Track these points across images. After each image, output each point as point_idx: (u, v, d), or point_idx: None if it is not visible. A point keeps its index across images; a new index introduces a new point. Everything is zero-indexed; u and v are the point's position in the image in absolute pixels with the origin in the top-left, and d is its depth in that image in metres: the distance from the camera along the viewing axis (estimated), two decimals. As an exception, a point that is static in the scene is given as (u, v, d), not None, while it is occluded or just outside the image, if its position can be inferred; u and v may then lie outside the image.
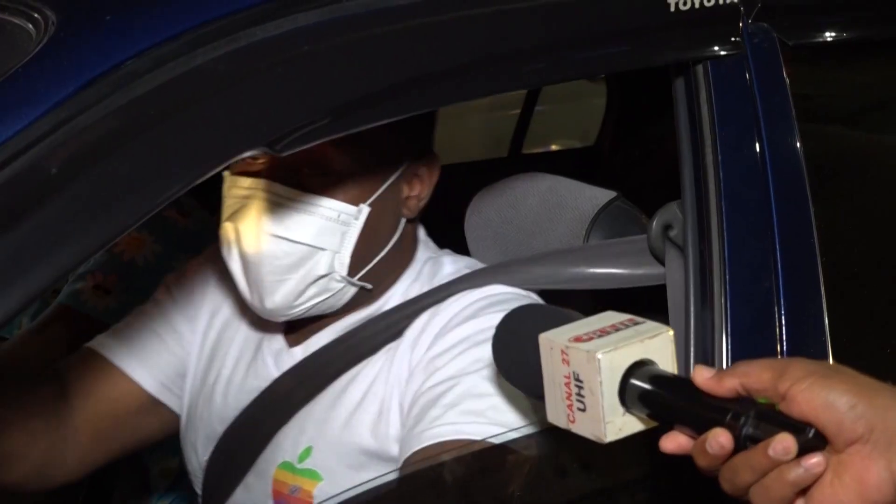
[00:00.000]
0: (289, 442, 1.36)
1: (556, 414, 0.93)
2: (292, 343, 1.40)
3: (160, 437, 1.53)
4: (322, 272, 1.26)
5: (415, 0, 1.04)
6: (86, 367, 1.46)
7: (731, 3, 1.21)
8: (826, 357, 1.16)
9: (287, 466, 1.36)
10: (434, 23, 1.05)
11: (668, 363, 0.91)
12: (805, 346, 1.16)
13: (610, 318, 0.94)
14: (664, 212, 1.24)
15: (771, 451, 0.80)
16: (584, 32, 1.15)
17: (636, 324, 0.93)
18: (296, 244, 1.24)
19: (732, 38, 1.21)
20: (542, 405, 0.96)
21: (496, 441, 1.15)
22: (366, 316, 1.36)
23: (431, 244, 1.45)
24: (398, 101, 1.02)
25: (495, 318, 1.24)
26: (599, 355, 0.88)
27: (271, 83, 0.96)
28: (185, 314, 1.51)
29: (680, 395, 0.88)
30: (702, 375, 0.87)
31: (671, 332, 0.91)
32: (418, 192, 1.34)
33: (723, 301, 1.14)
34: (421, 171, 1.33)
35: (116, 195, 0.88)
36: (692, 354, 1.16)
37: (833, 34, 1.34)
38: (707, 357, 1.14)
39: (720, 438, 0.83)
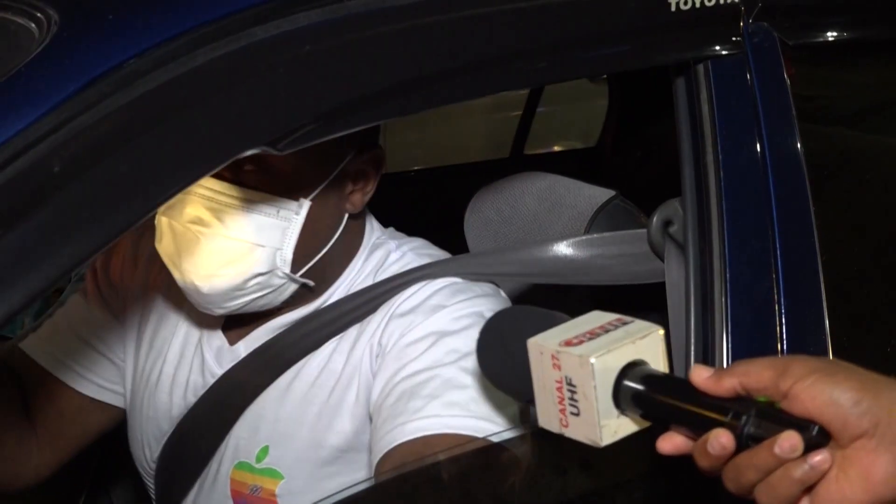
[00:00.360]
0: (244, 442, 1.35)
1: (548, 418, 0.92)
2: (233, 340, 1.39)
3: (112, 428, 1.54)
4: (262, 269, 1.23)
5: (416, 0, 1.04)
6: (23, 372, 1.47)
7: (732, 2, 1.21)
8: (827, 355, 1.16)
9: (245, 466, 1.35)
10: (435, 22, 1.05)
11: (659, 362, 0.90)
12: (805, 345, 1.16)
13: (598, 318, 0.93)
14: (665, 208, 1.24)
15: (777, 449, 0.79)
16: (586, 32, 1.15)
17: (625, 324, 0.91)
18: (233, 241, 1.21)
19: (733, 38, 1.21)
20: (528, 408, 0.95)
21: (491, 439, 1.15)
22: (308, 312, 1.35)
23: (376, 229, 1.41)
24: (399, 101, 1.03)
25: (463, 305, 1.25)
26: (593, 360, 0.87)
27: (272, 83, 0.97)
28: (113, 312, 1.49)
29: (677, 396, 0.87)
30: (700, 375, 0.86)
31: (661, 332, 0.90)
32: (363, 186, 1.32)
33: (723, 299, 1.14)
34: (365, 165, 1.31)
35: (118, 194, 0.89)
36: (692, 352, 1.16)
37: (834, 34, 1.34)
38: (707, 355, 1.14)
39: (721, 439, 0.82)
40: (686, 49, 1.19)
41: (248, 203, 1.21)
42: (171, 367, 1.43)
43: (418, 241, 1.42)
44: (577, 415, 0.89)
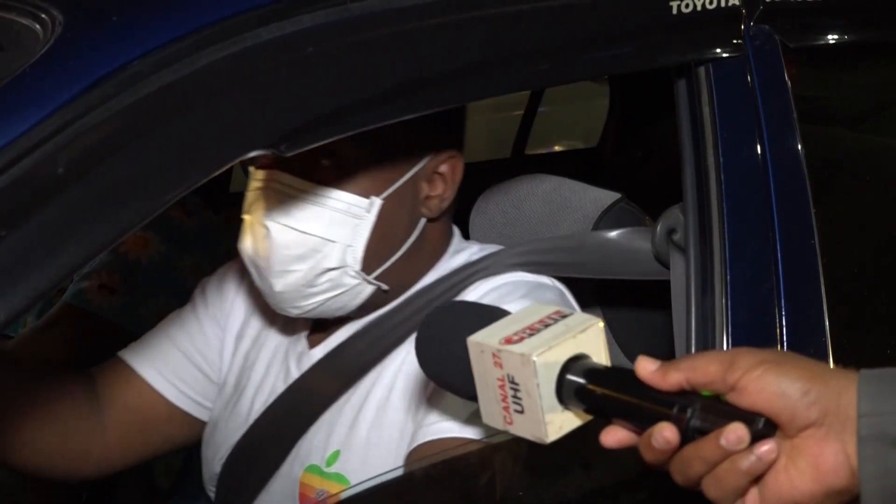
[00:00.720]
0: (316, 445, 1.34)
1: (492, 416, 0.91)
2: (313, 344, 1.40)
3: (191, 443, 1.54)
4: (332, 265, 1.25)
5: (419, 2, 1.04)
6: (115, 376, 1.47)
7: (733, 5, 1.21)
8: (827, 357, 1.17)
9: (314, 470, 1.34)
10: (437, 25, 1.05)
11: (600, 355, 0.89)
12: (805, 347, 1.16)
13: (536, 312, 0.91)
14: (667, 216, 1.25)
15: (723, 441, 0.79)
16: (588, 34, 1.15)
17: (564, 317, 0.90)
18: (305, 235, 1.23)
19: (734, 41, 1.21)
20: (474, 405, 0.93)
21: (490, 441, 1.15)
22: (385, 311, 1.35)
23: (460, 238, 1.42)
24: (402, 103, 1.03)
25: (516, 306, 1.25)
26: (535, 358, 0.86)
27: (276, 84, 0.97)
28: (217, 326, 1.51)
29: (622, 389, 0.86)
30: (646, 369, 0.85)
31: (601, 324, 0.89)
32: (440, 191, 1.31)
33: (724, 301, 1.15)
34: (443, 169, 1.31)
35: (122, 195, 0.89)
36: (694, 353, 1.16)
37: (834, 37, 1.34)
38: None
39: (665, 433, 0.82)
40: (687, 51, 1.19)
41: (321, 198, 1.23)
42: (259, 375, 1.44)
43: (500, 247, 1.41)
44: (522, 412, 0.88)
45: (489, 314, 0.95)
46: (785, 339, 1.16)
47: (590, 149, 3.09)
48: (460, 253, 1.39)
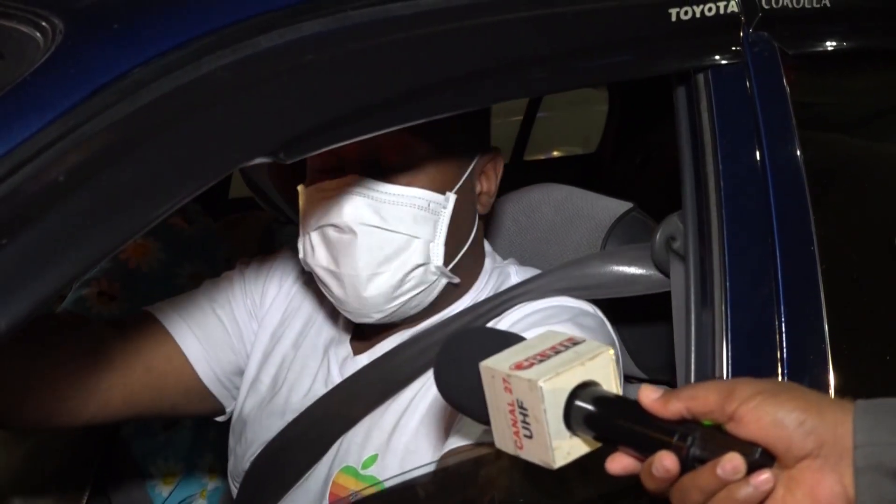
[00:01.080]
0: (353, 447, 1.35)
1: (504, 440, 0.92)
2: (358, 351, 1.41)
3: (193, 417, 1.52)
4: (419, 261, 1.28)
5: (417, 10, 1.05)
6: (142, 334, 1.45)
7: (732, 12, 1.22)
8: (826, 363, 1.17)
9: (350, 471, 1.35)
10: (437, 33, 1.06)
11: (610, 383, 0.91)
12: (805, 353, 1.17)
13: (549, 338, 0.93)
14: (666, 224, 1.25)
15: (720, 471, 0.80)
16: (588, 42, 1.15)
17: (576, 344, 0.92)
18: (392, 233, 1.26)
19: (733, 48, 1.22)
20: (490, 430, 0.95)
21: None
22: (431, 324, 1.37)
23: (496, 256, 1.46)
24: (402, 110, 1.03)
25: (556, 329, 1.25)
26: (541, 383, 0.87)
27: (276, 92, 0.97)
28: (253, 318, 1.51)
29: (626, 417, 0.88)
30: (648, 397, 0.87)
31: (611, 352, 0.91)
32: (488, 187, 1.37)
33: (723, 308, 1.15)
34: (488, 167, 1.37)
35: (123, 203, 0.89)
36: (693, 362, 1.17)
37: (833, 44, 1.35)
38: (707, 364, 1.15)
39: (665, 462, 0.83)
40: (686, 59, 1.20)
41: (401, 198, 1.26)
42: (295, 375, 1.45)
43: (537, 271, 1.43)
44: (531, 437, 0.90)
45: (504, 340, 0.96)
46: (784, 345, 1.16)
47: (588, 155, 3.10)
48: (496, 270, 1.42)
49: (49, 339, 1.36)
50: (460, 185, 1.31)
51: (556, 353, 0.90)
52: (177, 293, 2.02)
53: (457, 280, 1.33)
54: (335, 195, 1.27)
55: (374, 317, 1.32)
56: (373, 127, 1.02)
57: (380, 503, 1.22)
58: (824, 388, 1.17)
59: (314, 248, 1.30)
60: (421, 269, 1.28)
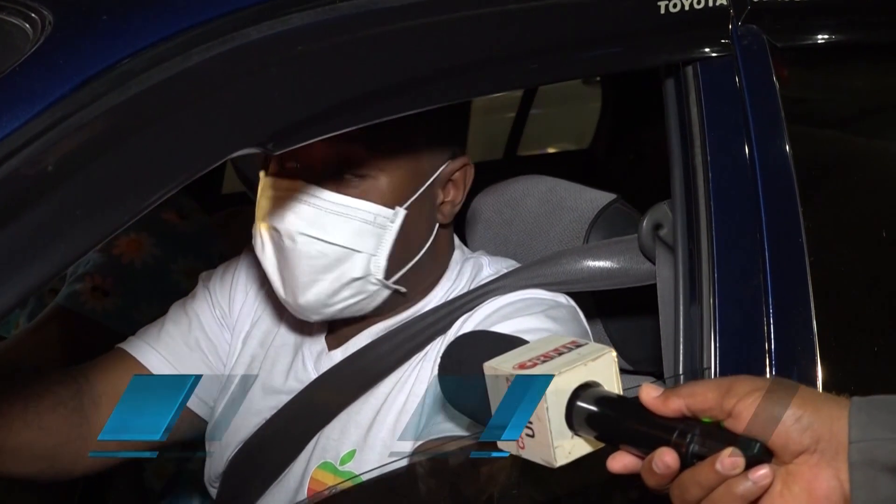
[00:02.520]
0: (331, 443, 1.36)
1: (506, 440, 0.93)
2: (332, 346, 1.41)
3: (183, 439, 1.53)
4: (357, 274, 1.27)
5: (407, 2, 1.05)
6: (117, 370, 1.45)
7: (721, 5, 1.22)
8: (814, 355, 1.17)
9: (328, 467, 1.35)
10: (426, 24, 1.06)
11: (612, 384, 0.92)
12: (792, 345, 1.17)
13: (553, 341, 0.94)
14: (654, 211, 1.25)
15: (718, 466, 0.82)
16: (576, 34, 1.16)
17: (578, 346, 0.93)
18: (331, 245, 1.25)
19: (722, 40, 1.22)
20: None
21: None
22: (405, 318, 1.37)
23: (465, 247, 1.45)
24: (391, 102, 1.04)
25: (527, 320, 1.25)
26: None
27: (265, 83, 0.98)
28: (225, 328, 1.51)
29: (626, 416, 0.89)
30: (649, 395, 0.88)
31: (614, 353, 0.92)
32: (452, 196, 1.34)
33: (711, 300, 1.15)
34: (455, 176, 1.34)
35: (111, 193, 0.89)
36: (681, 352, 1.17)
37: (823, 37, 1.35)
38: (695, 355, 1.15)
39: (665, 458, 0.84)
40: (675, 51, 1.20)
41: (347, 209, 1.25)
42: (266, 373, 1.45)
43: (510, 261, 1.44)
44: (532, 436, 0.91)
45: (508, 343, 0.97)
46: (772, 335, 1.16)
47: (582, 151, 3.10)
48: (469, 261, 1.41)
49: (34, 407, 1.36)
50: (415, 199, 1.28)
51: (559, 355, 0.92)
52: (170, 288, 2.03)
53: (403, 290, 1.32)
54: (283, 196, 1.26)
55: (313, 318, 1.32)
56: (360, 118, 1.02)
57: (358, 496, 1.22)
58: (812, 380, 1.18)
59: (264, 244, 1.30)
60: (359, 281, 1.28)
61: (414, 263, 1.32)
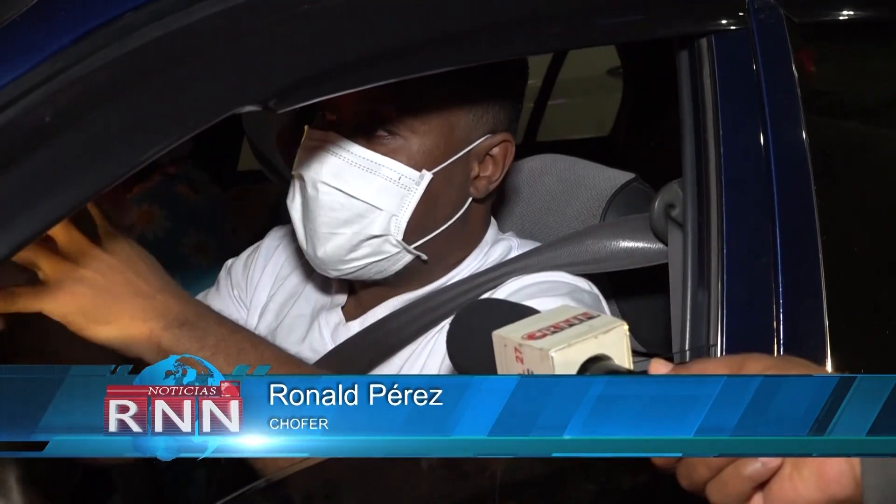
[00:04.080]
0: None
1: None
2: (350, 317, 1.40)
3: None
4: (376, 232, 1.27)
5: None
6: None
7: (738, -24, 1.20)
8: (823, 335, 1.16)
9: None
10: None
11: (623, 357, 0.89)
12: (802, 324, 1.15)
13: (564, 312, 0.92)
14: (666, 191, 1.24)
15: None
16: (590, 2, 1.14)
17: (590, 318, 0.90)
18: (353, 199, 1.25)
19: (738, 13, 1.20)
20: None
21: None
22: (426, 292, 1.36)
23: (497, 229, 1.44)
24: (397, 63, 1.02)
25: (551, 301, 1.24)
26: (553, 353, 0.86)
27: (269, 40, 0.97)
28: (242, 306, 1.52)
29: None
30: (658, 371, 0.86)
31: (625, 327, 0.90)
32: (490, 173, 1.33)
33: (720, 276, 1.13)
34: (494, 151, 1.32)
35: (108, 146, 0.89)
36: (688, 330, 1.15)
37: (843, 13, 1.33)
38: (702, 333, 1.14)
39: None
40: (689, 22, 1.18)
41: (372, 164, 1.25)
42: (281, 341, 1.43)
43: (537, 244, 1.42)
44: None
45: (518, 312, 0.96)
46: (781, 316, 1.14)
47: (601, 137, 3.09)
48: (499, 243, 1.40)
49: None
50: (445, 166, 1.27)
51: (570, 326, 0.89)
52: (181, 262, 2.03)
53: (424, 257, 1.32)
54: (315, 146, 1.27)
55: (332, 273, 1.32)
56: (365, 79, 1.01)
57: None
58: (821, 360, 1.15)
59: (294, 194, 1.31)
60: (378, 239, 1.27)
61: (440, 233, 1.31)
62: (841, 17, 1.32)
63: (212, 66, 0.94)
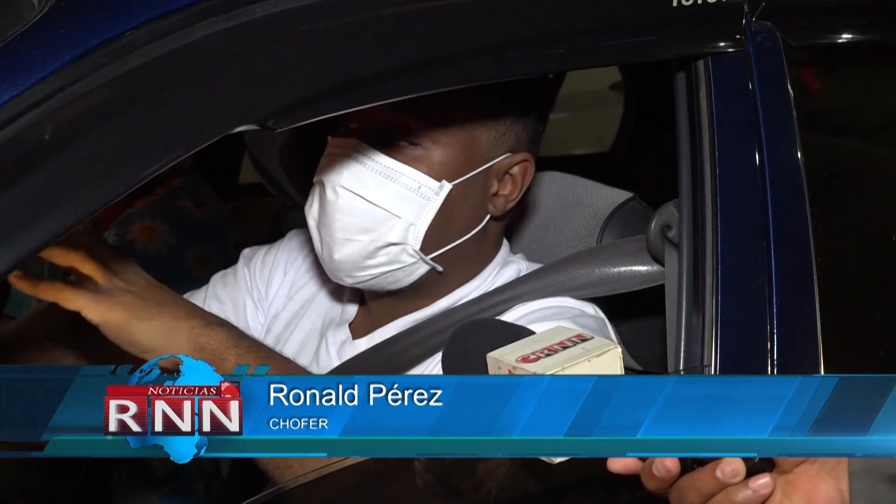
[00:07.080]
0: None
1: None
2: (357, 334, 1.41)
3: None
4: (394, 240, 1.27)
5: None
6: None
7: (735, 0, 1.21)
8: (817, 357, 1.16)
9: None
10: (436, 7, 1.06)
11: None
12: (795, 346, 1.15)
13: (559, 333, 0.93)
14: (662, 212, 1.24)
15: (719, 473, 0.80)
16: (587, 24, 1.15)
17: (584, 340, 0.92)
18: (371, 205, 1.26)
19: (735, 36, 1.20)
20: None
21: None
22: (435, 311, 1.36)
23: (508, 250, 1.44)
24: (396, 83, 1.03)
25: (550, 326, 1.24)
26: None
27: (269, 60, 0.98)
28: (260, 304, 1.52)
29: None
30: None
31: (619, 349, 0.91)
32: (508, 191, 1.34)
33: (714, 296, 1.14)
34: (514, 170, 1.33)
35: (107, 164, 0.90)
36: (682, 351, 1.16)
37: (840, 37, 1.33)
38: (696, 353, 1.14)
39: (666, 462, 0.83)
40: (686, 45, 1.19)
41: (393, 172, 1.26)
42: (289, 353, 1.44)
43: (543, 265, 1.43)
44: None
45: (513, 333, 0.97)
46: (775, 337, 1.15)
47: (602, 153, 3.09)
48: (509, 265, 1.41)
49: None
50: (465, 180, 1.29)
51: (564, 349, 0.90)
52: (184, 276, 2.04)
53: (440, 269, 1.32)
54: (337, 153, 1.29)
55: (347, 281, 1.33)
56: (364, 99, 1.02)
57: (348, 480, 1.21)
58: (815, 381, 1.16)
59: (312, 199, 1.32)
60: (395, 247, 1.28)
61: (456, 246, 1.32)
62: (838, 41, 1.33)
63: (210, 85, 0.95)
